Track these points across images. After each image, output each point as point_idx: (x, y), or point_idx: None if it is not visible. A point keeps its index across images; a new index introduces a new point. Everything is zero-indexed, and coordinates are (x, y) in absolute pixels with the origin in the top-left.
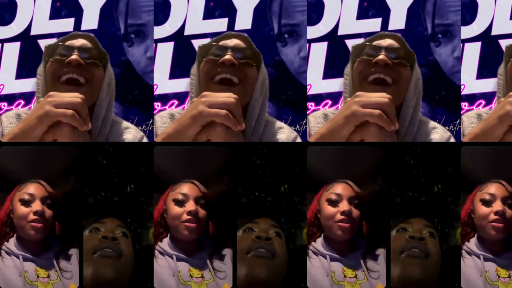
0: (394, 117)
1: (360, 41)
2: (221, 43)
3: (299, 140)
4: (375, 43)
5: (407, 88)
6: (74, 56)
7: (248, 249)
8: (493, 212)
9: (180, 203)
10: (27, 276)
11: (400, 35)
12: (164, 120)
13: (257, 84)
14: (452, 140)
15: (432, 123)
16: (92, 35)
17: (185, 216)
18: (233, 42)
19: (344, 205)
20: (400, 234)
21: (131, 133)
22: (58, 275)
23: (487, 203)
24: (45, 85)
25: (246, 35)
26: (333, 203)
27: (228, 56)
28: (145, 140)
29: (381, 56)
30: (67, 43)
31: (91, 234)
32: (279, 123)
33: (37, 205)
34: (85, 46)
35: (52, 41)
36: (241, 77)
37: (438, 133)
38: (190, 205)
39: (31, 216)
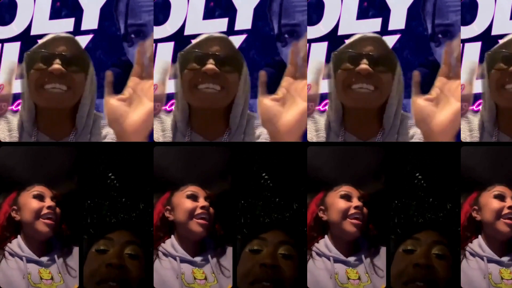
0: None
1: (340, 46)
2: (201, 49)
3: None
4: (355, 50)
5: (390, 89)
6: (55, 66)
7: (254, 278)
8: (507, 207)
9: (193, 197)
10: (31, 278)
11: (379, 36)
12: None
13: (240, 85)
14: None
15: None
16: (72, 36)
17: (199, 210)
18: (213, 48)
19: (356, 201)
20: (406, 256)
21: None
22: (62, 277)
23: (500, 197)
24: (29, 92)
25: (225, 36)
26: (347, 197)
27: (209, 66)
28: None
29: (363, 66)
30: (48, 50)
31: (97, 255)
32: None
33: (49, 201)
34: (66, 53)
35: (33, 48)
36: (224, 83)
37: None
38: (203, 201)
39: (45, 210)
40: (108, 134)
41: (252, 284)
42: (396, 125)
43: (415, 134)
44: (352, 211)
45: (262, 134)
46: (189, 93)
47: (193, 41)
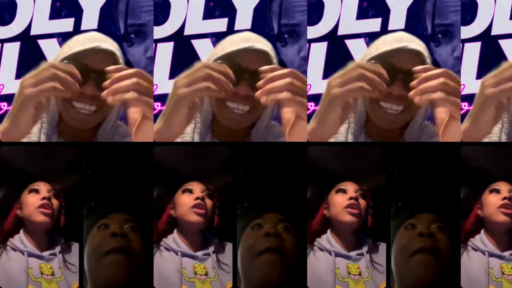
0: (379, 83)
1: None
2: (239, 61)
3: None
4: (392, 62)
5: (418, 109)
6: (89, 87)
7: (259, 250)
8: (501, 198)
9: (188, 191)
10: (31, 273)
11: (421, 50)
12: None
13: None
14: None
15: (432, 128)
16: (113, 51)
17: (193, 201)
18: (252, 64)
19: (351, 193)
20: (409, 231)
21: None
22: (63, 272)
23: (495, 191)
24: (56, 101)
25: (267, 51)
26: (342, 191)
27: (244, 87)
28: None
29: (397, 88)
30: (85, 62)
31: (99, 231)
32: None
33: (44, 193)
34: (102, 71)
35: (69, 54)
36: (253, 105)
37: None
38: (197, 193)
39: (39, 201)
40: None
41: (259, 255)
42: (417, 138)
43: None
44: (347, 202)
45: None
46: (216, 106)
47: (232, 47)
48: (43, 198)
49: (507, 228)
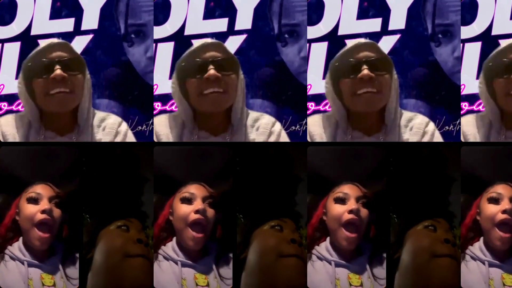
0: None
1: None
2: (200, 58)
3: (278, 124)
4: (354, 58)
5: (390, 90)
6: (58, 72)
7: (280, 252)
8: (501, 212)
9: (187, 201)
10: (32, 284)
11: (372, 41)
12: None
13: (238, 85)
14: (431, 125)
15: (409, 113)
16: (64, 41)
17: (193, 216)
18: (210, 54)
19: (352, 204)
20: (429, 232)
21: (111, 117)
22: (64, 282)
23: (494, 201)
24: (35, 100)
25: (218, 41)
26: (341, 201)
27: (211, 71)
28: (124, 124)
29: (365, 72)
30: (47, 58)
31: (120, 232)
32: (256, 113)
33: (44, 204)
34: (63, 58)
35: (30, 56)
36: (225, 87)
37: (419, 117)
38: (198, 204)
39: (39, 216)
40: (107, 125)
41: (282, 257)
42: (395, 123)
43: (414, 126)
44: (346, 216)
45: (261, 125)
46: (197, 99)
47: (187, 51)
48: (43, 212)
49: (505, 248)
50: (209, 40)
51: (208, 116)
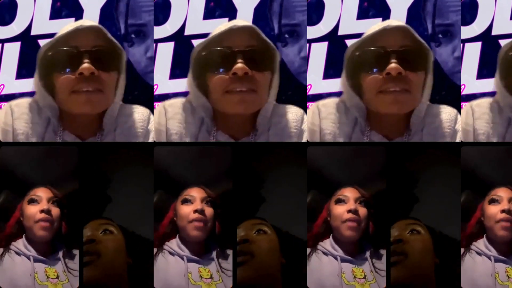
0: None
1: (357, 40)
2: (225, 45)
3: (305, 116)
4: (381, 47)
5: (423, 89)
6: (85, 65)
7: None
8: (500, 211)
9: (187, 201)
10: (38, 277)
11: (406, 25)
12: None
13: (273, 83)
14: (459, 116)
15: (434, 107)
16: (97, 25)
17: (192, 215)
18: (241, 40)
19: (350, 204)
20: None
21: (139, 112)
22: (67, 275)
23: (495, 202)
24: (58, 97)
25: (250, 25)
26: (341, 202)
27: (239, 65)
28: (152, 116)
29: (393, 65)
30: (73, 46)
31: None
32: (281, 107)
33: (43, 204)
34: (94, 47)
35: (50, 42)
36: (255, 86)
37: (446, 112)
38: (197, 204)
39: (38, 215)
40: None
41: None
42: (424, 122)
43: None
44: (346, 215)
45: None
46: (218, 98)
47: (210, 36)
48: (42, 211)
49: (507, 240)
50: (238, 22)
51: (229, 117)
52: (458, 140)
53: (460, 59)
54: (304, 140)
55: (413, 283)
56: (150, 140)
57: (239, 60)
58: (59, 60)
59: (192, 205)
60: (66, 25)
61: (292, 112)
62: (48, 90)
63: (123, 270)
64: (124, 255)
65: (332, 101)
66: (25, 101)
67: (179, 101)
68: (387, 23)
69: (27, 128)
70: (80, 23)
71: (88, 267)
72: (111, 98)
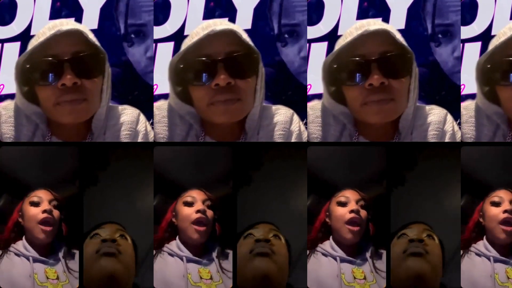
0: None
1: (335, 50)
2: (205, 53)
3: (296, 116)
4: (360, 56)
5: (408, 94)
6: (67, 76)
7: (250, 250)
8: (502, 211)
9: (190, 204)
10: (37, 278)
11: (384, 28)
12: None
13: (258, 86)
14: (449, 116)
15: (424, 108)
16: (75, 29)
17: (194, 215)
18: (219, 48)
19: (352, 205)
20: (401, 240)
21: (127, 114)
22: (67, 276)
23: (496, 204)
24: (42, 107)
25: (229, 28)
26: (343, 204)
27: (222, 76)
28: (142, 116)
29: (375, 76)
30: (53, 55)
31: (91, 240)
32: (269, 107)
33: (45, 205)
34: (75, 53)
35: (28, 52)
36: (239, 95)
37: (435, 114)
38: (199, 205)
39: (41, 215)
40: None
41: (250, 252)
42: (412, 124)
43: (430, 125)
44: (348, 216)
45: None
46: (203, 109)
47: (187, 45)
48: (44, 211)
49: (508, 242)
50: (217, 27)
51: (217, 124)
52: (458, 140)
53: (460, 59)
54: (302, 140)
55: (419, 282)
56: (144, 140)
57: (221, 70)
58: (39, 71)
59: (194, 206)
60: (43, 28)
61: (281, 113)
62: (31, 100)
63: (132, 275)
64: (133, 264)
65: (319, 104)
66: (13, 104)
67: (166, 104)
68: (365, 27)
69: (15, 132)
70: (58, 27)
71: (109, 258)
72: (97, 104)
